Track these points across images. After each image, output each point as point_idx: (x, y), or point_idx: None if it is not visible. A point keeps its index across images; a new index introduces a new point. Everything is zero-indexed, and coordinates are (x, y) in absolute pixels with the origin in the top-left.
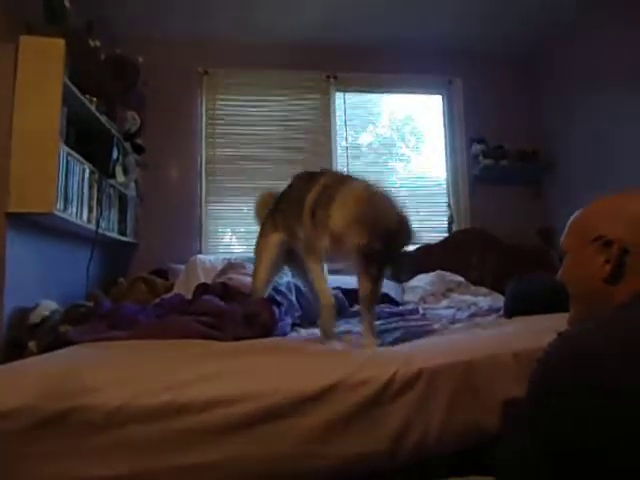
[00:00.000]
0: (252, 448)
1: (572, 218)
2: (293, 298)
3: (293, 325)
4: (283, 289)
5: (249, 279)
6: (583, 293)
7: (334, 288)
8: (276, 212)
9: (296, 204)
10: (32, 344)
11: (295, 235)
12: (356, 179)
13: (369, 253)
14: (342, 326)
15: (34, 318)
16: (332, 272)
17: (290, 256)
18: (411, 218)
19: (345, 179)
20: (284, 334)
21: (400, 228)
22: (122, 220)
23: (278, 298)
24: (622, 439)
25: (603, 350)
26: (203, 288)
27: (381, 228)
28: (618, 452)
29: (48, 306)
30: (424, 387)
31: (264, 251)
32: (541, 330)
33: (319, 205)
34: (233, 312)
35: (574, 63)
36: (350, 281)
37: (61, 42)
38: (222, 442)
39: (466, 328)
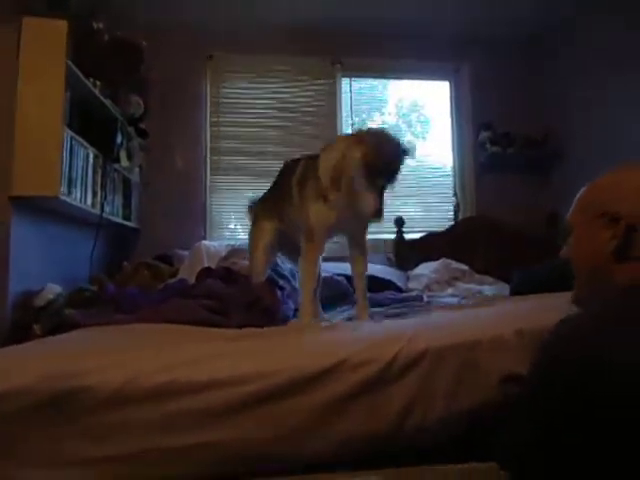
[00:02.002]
0: (253, 429)
1: (579, 194)
2: (296, 284)
3: (295, 310)
4: (286, 273)
5: None
6: (587, 270)
7: (338, 275)
8: (266, 201)
9: (284, 187)
10: (37, 327)
11: (286, 220)
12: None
13: (371, 167)
14: (346, 312)
15: (39, 301)
16: (336, 259)
17: (282, 242)
18: (416, 202)
19: (323, 148)
20: (286, 317)
21: (393, 140)
22: (126, 205)
23: (281, 282)
24: (627, 420)
25: (603, 335)
26: (207, 272)
27: (375, 142)
28: (622, 432)
29: (53, 289)
30: (427, 366)
31: (259, 237)
32: (545, 308)
33: (305, 176)
34: (235, 295)
35: (582, 47)
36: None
37: (64, 24)
38: (223, 423)
39: (469, 307)
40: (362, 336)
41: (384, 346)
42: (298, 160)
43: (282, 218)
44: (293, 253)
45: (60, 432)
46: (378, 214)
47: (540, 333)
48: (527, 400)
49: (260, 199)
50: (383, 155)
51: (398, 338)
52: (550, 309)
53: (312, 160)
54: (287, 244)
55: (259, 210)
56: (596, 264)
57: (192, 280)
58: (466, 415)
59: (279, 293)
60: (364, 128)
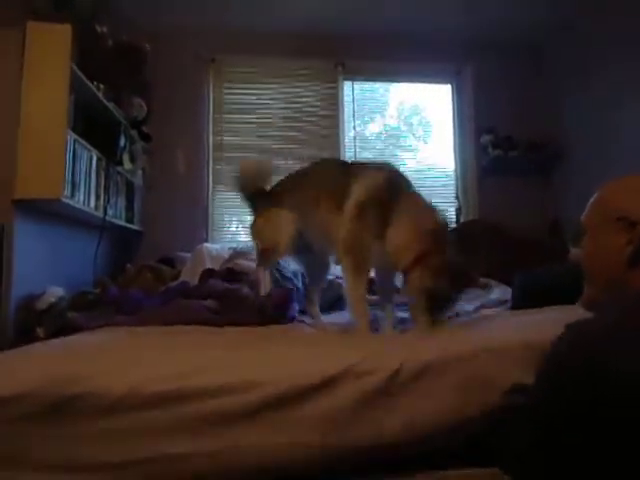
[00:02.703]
0: (257, 436)
1: (595, 196)
2: (300, 284)
3: (301, 312)
4: (289, 275)
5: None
6: (600, 274)
7: (339, 277)
8: (288, 191)
9: (331, 190)
10: (39, 330)
11: (309, 222)
12: (407, 189)
13: (436, 297)
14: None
15: (41, 304)
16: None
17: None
18: None
19: (397, 187)
20: (292, 318)
21: (464, 266)
22: (129, 208)
23: (287, 284)
24: (632, 428)
25: (612, 343)
26: (209, 273)
27: (447, 270)
28: (627, 440)
29: (55, 292)
30: (432, 377)
31: (283, 222)
32: (551, 320)
33: (371, 207)
34: (239, 291)
35: (583, 50)
36: None
37: (68, 28)
38: (227, 430)
39: (474, 318)
40: (367, 344)
41: (389, 355)
42: (350, 168)
43: (305, 218)
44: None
45: (63, 437)
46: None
47: (547, 345)
48: (532, 404)
49: (283, 187)
50: (451, 284)
51: (402, 348)
52: (558, 321)
53: (385, 193)
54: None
55: (275, 196)
56: (611, 269)
57: (194, 282)
58: (471, 425)
59: (289, 292)
60: (435, 212)
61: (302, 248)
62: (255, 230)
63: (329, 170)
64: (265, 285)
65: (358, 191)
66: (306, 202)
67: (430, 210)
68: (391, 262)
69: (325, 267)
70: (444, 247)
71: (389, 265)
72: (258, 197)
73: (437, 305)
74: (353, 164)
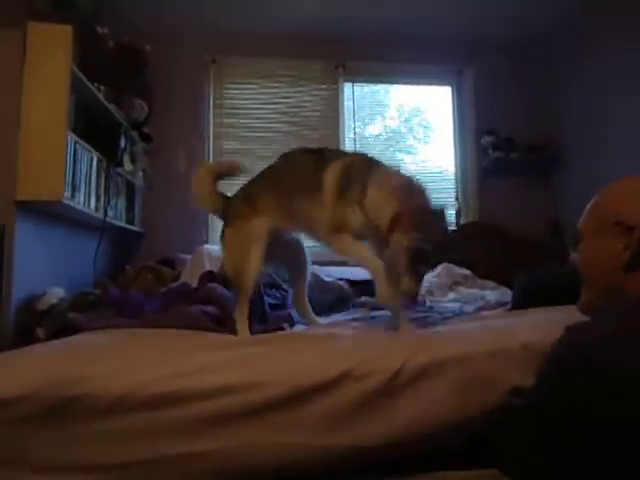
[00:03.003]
0: (257, 437)
1: (592, 201)
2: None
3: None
4: (280, 282)
5: None
6: (598, 279)
7: (339, 279)
8: (261, 192)
9: (305, 180)
10: (40, 331)
11: (297, 215)
12: (380, 164)
13: (417, 253)
14: (349, 316)
15: (42, 305)
16: (336, 264)
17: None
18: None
19: (370, 163)
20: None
21: (444, 222)
22: (130, 209)
23: (276, 293)
24: (631, 431)
25: (611, 346)
26: (209, 276)
27: (429, 226)
28: (626, 442)
29: (56, 293)
30: (432, 378)
31: (253, 239)
32: (549, 322)
33: (347, 184)
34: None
35: (585, 52)
36: (356, 272)
37: (69, 29)
38: (228, 431)
39: (474, 319)
40: (367, 346)
41: (389, 357)
42: (320, 153)
43: (291, 216)
44: (287, 261)
45: (62, 438)
46: (414, 296)
47: (546, 347)
48: (532, 406)
49: (246, 191)
50: (432, 242)
51: (403, 349)
52: (558, 322)
53: (356, 168)
54: (279, 251)
55: (243, 203)
56: (608, 274)
57: (194, 285)
58: (470, 426)
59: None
60: (409, 177)
61: (277, 254)
62: (223, 246)
63: (299, 162)
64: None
65: (331, 176)
66: (282, 200)
67: (396, 172)
68: (378, 234)
69: (304, 265)
70: (417, 200)
71: (378, 239)
72: (225, 206)
73: (418, 261)
74: (320, 151)
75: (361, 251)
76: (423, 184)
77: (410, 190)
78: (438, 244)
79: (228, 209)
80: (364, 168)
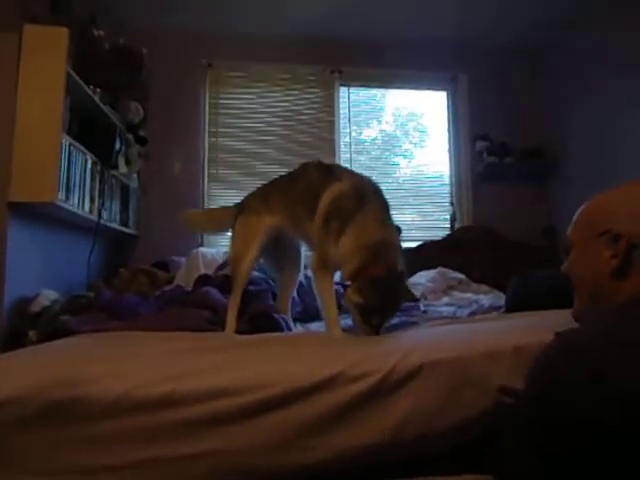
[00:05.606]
0: (250, 439)
1: (579, 211)
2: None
3: (294, 320)
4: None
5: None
6: (588, 287)
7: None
8: (275, 194)
9: (308, 196)
10: (32, 333)
11: (299, 225)
12: (376, 198)
13: (367, 309)
14: (343, 320)
15: (34, 307)
16: None
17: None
18: (413, 211)
19: (364, 196)
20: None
21: (399, 287)
22: (124, 211)
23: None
24: (620, 439)
25: (601, 349)
26: (204, 279)
27: (384, 290)
28: (614, 452)
29: (49, 296)
30: (423, 380)
31: (256, 231)
32: (541, 325)
33: (333, 217)
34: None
35: (580, 57)
36: None
37: (65, 31)
38: (220, 433)
39: (466, 321)
40: (359, 348)
41: (381, 359)
42: (330, 171)
43: (295, 222)
44: (279, 259)
45: (57, 441)
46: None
47: (538, 349)
48: (521, 411)
49: (264, 190)
50: (382, 301)
51: (395, 351)
52: (549, 326)
53: (347, 202)
54: (277, 249)
55: (259, 200)
56: (597, 282)
57: (189, 288)
58: (462, 428)
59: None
60: (388, 228)
61: (277, 252)
62: (233, 234)
63: (310, 176)
64: (231, 324)
65: (325, 200)
66: (291, 207)
67: (379, 224)
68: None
69: (296, 272)
70: (387, 260)
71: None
72: (250, 199)
73: (367, 317)
74: (330, 169)
75: (332, 309)
76: (398, 239)
77: (379, 250)
78: (392, 304)
79: (244, 202)
80: (354, 203)
